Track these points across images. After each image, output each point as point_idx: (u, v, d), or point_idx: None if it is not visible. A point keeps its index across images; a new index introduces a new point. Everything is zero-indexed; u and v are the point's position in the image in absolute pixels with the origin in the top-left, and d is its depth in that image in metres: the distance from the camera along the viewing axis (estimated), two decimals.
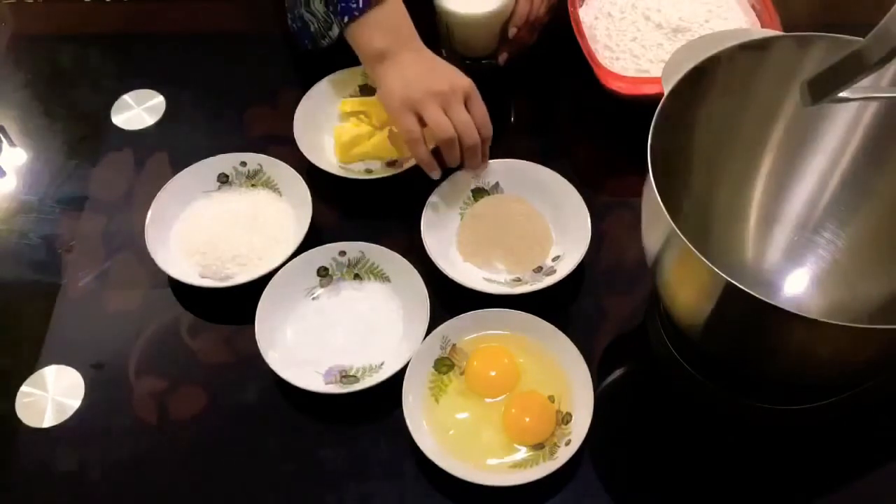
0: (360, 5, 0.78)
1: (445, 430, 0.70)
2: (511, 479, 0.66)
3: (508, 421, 0.70)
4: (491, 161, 0.83)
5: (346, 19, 0.79)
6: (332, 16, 0.83)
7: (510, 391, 0.72)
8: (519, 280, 0.78)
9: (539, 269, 0.79)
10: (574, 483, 0.68)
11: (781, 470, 0.69)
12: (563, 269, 0.76)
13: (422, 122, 0.77)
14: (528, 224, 0.82)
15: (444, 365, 0.73)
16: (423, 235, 0.78)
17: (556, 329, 0.72)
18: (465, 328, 0.74)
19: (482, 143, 0.79)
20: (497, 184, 0.84)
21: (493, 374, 0.72)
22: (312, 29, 0.88)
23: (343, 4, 0.79)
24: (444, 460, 0.67)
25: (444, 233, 0.81)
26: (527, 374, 0.72)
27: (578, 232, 0.78)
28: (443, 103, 0.77)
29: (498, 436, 0.70)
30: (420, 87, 0.77)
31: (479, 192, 0.84)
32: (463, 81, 0.78)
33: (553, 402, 0.71)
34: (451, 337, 0.74)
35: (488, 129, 0.79)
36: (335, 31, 0.84)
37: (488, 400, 0.72)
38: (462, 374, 0.73)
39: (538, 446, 0.69)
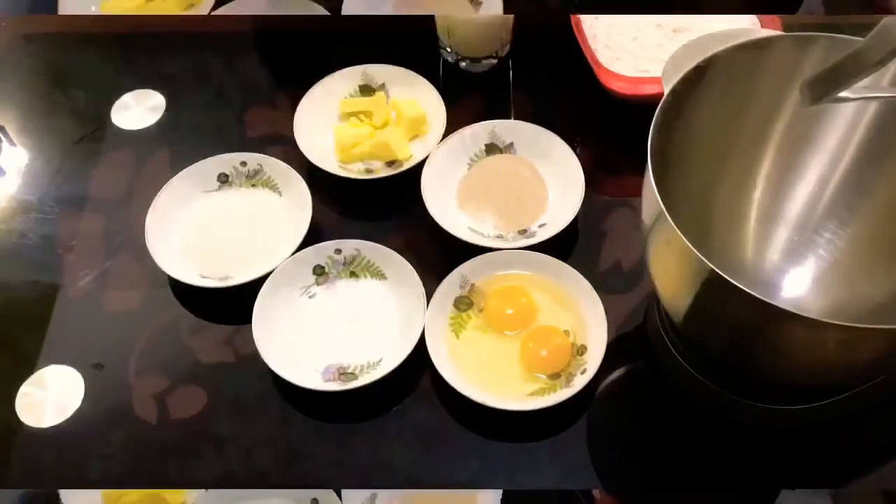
0: None
1: (466, 363, 0.72)
2: (530, 405, 0.69)
3: (526, 353, 0.73)
4: (512, 122, 0.85)
5: None
6: None
7: (527, 328, 0.74)
8: (501, 237, 0.80)
9: (524, 232, 0.81)
10: (573, 483, 0.68)
11: (781, 469, 0.68)
12: (543, 234, 0.79)
13: None
14: (526, 187, 0.84)
15: (463, 303, 0.76)
16: (422, 178, 0.81)
17: (569, 268, 0.75)
18: (483, 268, 0.76)
19: None
20: (511, 144, 0.86)
21: (509, 311, 0.75)
22: None
23: None
24: (465, 388, 0.69)
25: (447, 178, 0.84)
26: (542, 310, 0.76)
27: (569, 202, 0.80)
28: None
29: (516, 369, 0.73)
30: None
31: (492, 148, 0.86)
32: None
33: (568, 335, 0.73)
34: (470, 276, 0.76)
35: None
36: None
37: (508, 333, 0.74)
38: (481, 311, 0.76)
39: (554, 376, 0.71)
